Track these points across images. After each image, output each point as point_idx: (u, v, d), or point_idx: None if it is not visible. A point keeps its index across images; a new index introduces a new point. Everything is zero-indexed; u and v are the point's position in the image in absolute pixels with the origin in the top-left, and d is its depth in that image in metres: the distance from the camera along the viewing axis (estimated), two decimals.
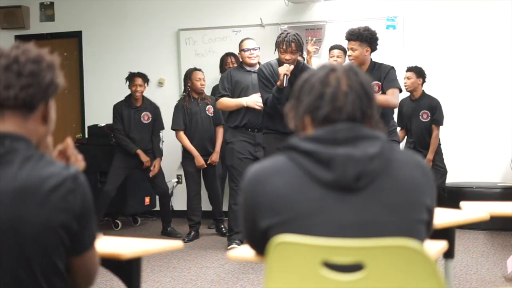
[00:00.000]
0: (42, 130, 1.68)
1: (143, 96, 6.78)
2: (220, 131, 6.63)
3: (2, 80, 1.61)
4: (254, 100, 5.77)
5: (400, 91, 5.16)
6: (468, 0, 7.08)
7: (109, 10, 8.10)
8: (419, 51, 7.19)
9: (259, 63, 5.98)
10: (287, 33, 5.16)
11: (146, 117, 6.75)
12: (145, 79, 6.71)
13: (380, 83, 5.05)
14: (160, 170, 6.82)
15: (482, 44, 7.04)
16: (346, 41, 5.11)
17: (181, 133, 6.55)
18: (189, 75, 6.59)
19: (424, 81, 6.67)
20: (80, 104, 8.23)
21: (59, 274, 1.62)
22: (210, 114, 6.58)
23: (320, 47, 7.28)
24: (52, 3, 8.29)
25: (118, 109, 6.74)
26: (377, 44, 5.08)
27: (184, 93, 6.69)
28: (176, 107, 6.63)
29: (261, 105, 5.51)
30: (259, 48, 6.08)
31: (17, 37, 8.34)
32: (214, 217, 6.83)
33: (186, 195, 6.75)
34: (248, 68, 6.01)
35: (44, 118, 1.68)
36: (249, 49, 5.98)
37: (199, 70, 6.64)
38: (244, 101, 5.82)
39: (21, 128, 1.63)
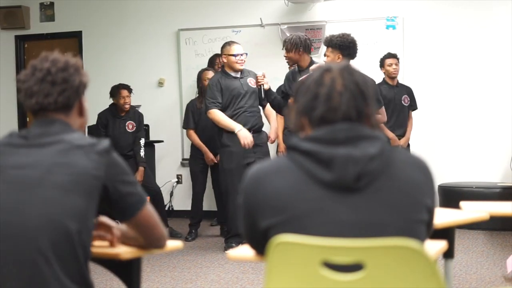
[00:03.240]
0: (80, 122, 2.07)
1: None
2: None
3: (41, 90, 1.95)
4: (246, 137, 5.70)
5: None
6: (468, 0, 7.09)
7: (109, 10, 8.10)
8: (418, 51, 7.19)
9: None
10: (290, 35, 5.70)
11: (130, 126, 6.72)
12: (129, 89, 6.69)
13: None
14: (149, 171, 6.78)
15: (482, 44, 7.04)
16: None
17: (191, 132, 6.64)
18: (199, 76, 6.63)
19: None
20: None
21: (89, 229, 1.88)
22: None
23: (320, 47, 7.28)
24: (52, 3, 8.29)
25: (102, 119, 6.70)
26: (351, 52, 4.95)
27: (198, 94, 6.72)
28: (187, 106, 6.74)
29: (250, 144, 5.70)
30: (246, 54, 5.96)
31: (17, 37, 8.34)
32: (220, 220, 6.75)
33: (192, 194, 6.79)
34: (233, 74, 5.89)
35: (80, 112, 2.07)
36: (238, 55, 5.83)
37: (209, 69, 6.62)
38: (237, 130, 5.72)
39: (65, 120, 1.99)
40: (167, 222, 6.81)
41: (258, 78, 5.69)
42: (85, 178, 1.86)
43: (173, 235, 6.61)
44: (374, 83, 5.21)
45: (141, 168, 6.64)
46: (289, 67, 5.84)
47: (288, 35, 7.43)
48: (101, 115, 6.74)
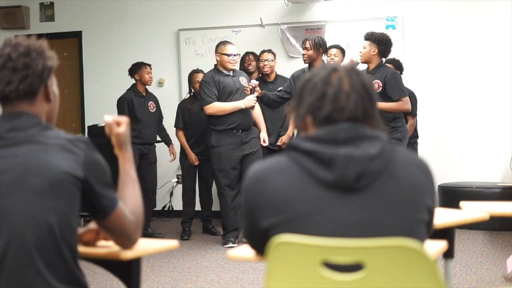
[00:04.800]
0: (47, 107, 1.95)
1: None
2: None
3: (1, 78, 1.85)
4: (250, 99, 5.95)
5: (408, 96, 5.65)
6: (468, 0, 7.08)
7: (109, 10, 8.10)
8: (418, 51, 7.19)
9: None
10: (312, 35, 6.07)
11: (152, 106, 6.78)
12: (150, 67, 6.79)
13: (380, 82, 5.51)
14: (154, 165, 6.79)
15: (482, 44, 7.04)
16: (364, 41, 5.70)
17: (180, 132, 6.75)
18: (190, 78, 6.79)
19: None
20: (80, 104, 8.23)
21: (72, 228, 1.84)
22: None
23: None
24: (52, 3, 8.29)
25: (127, 99, 6.62)
26: (387, 49, 5.61)
27: (189, 94, 6.84)
28: (178, 106, 6.84)
29: (255, 101, 5.96)
30: (239, 54, 6.21)
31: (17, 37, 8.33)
32: (203, 217, 6.86)
33: (182, 191, 6.88)
34: (226, 72, 6.06)
35: (47, 97, 1.94)
36: (231, 55, 6.01)
37: (198, 72, 6.75)
38: (242, 103, 5.94)
39: (31, 110, 1.89)
40: (150, 222, 6.81)
41: (248, 86, 5.91)
42: (64, 179, 1.80)
43: (155, 235, 6.53)
44: (396, 74, 5.63)
45: (171, 146, 6.93)
46: (305, 60, 5.94)
47: (288, 35, 7.48)
48: (125, 96, 6.65)
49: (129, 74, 6.75)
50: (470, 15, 7.08)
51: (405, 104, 5.54)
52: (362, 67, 5.76)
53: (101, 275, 4.87)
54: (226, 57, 6.00)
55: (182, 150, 6.78)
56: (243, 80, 6.09)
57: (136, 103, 6.62)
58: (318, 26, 7.42)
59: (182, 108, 6.75)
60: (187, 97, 6.89)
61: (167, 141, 6.95)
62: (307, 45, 5.85)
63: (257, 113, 6.20)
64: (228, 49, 6.02)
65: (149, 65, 6.75)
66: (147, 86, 6.79)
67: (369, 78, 1.74)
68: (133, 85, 6.74)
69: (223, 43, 6.13)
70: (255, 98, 5.95)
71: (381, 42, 5.57)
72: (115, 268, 2.21)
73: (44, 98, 1.93)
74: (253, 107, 6.02)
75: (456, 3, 7.11)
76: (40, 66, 1.88)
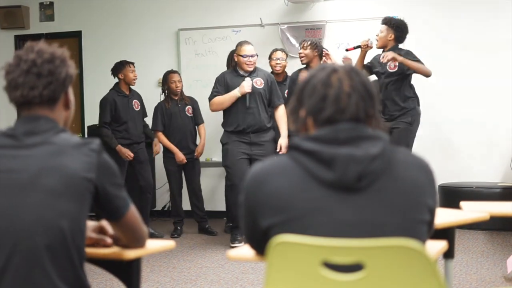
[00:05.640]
0: (65, 115, 2.00)
1: None
2: (202, 129, 6.80)
3: (26, 83, 1.89)
4: (244, 85, 5.87)
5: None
6: (468, 0, 7.08)
7: (109, 10, 8.10)
8: (418, 51, 7.18)
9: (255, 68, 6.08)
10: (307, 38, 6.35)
11: (136, 104, 6.71)
12: (134, 65, 6.71)
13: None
14: (148, 162, 6.78)
15: (482, 43, 7.03)
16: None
17: (159, 133, 6.73)
18: (165, 78, 6.76)
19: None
20: (80, 104, 8.22)
21: (82, 231, 1.86)
22: (189, 114, 6.74)
23: None
24: (52, 3, 8.29)
25: (110, 100, 6.53)
26: (403, 36, 5.75)
27: (164, 95, 6.82)
28: (155, 108, 6.79)
29: (250, 87, 5.87)
30: (257, 55, 6.05)
31: (17, 37, 8.34)
32: (197, 218, 6.85)
33: (170, 193, 6.93)
34: (242, 73, 6.03)
35: (66, 104, 1.99)
36: (247, 56, 5.95)
37: (175, 72, 6.79)
38: (238, 91, 5.90)
39: (50, 115, 1.93)
40: (149, 221, 6.82)
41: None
42: (77, 181, 1.83)
43: (155, 236, 6.52)
44: (410, 51, 5.78)
45: (156, 139, 6.83)
46: (302, 59, 6.03)
47: (288, 35, 7.49)
48: (107, 97, 6.56)
49: (112, 73, 6.63)
50: (470, 15, 7.07)
51: (425, 67, 5.68)
52: (376, 52, 5.96)
53: (101, 275, 4.87)
54: (242, 58, 5.95)
55: (165, 154, 6.75)
56: (257, 81, 6.00)
57: (119, 103, 6.55)
58: (318, 26, 7.41)
59: (161, 110, 6.70)
60: (162, 98, 6.84)
61: (151, 137, 6.86)
62: (305, 44, 6.00)
63: (279, 116, 6.04)
64: (244, 50, 5.96)
65: (133, 64, 6.65)
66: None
67: (369, 78, 1.74)
68: (116, 84, 6.65)
69: (241, 43, 6.06)
70: (250, 84, 5.87)
71: (399, 28, 5.69)
72: (115, 268, 2.21)
73: (63, 105, 1.98)
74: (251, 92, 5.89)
75: (456, 4, 7.10)
76: (64, 73, 1.93)
